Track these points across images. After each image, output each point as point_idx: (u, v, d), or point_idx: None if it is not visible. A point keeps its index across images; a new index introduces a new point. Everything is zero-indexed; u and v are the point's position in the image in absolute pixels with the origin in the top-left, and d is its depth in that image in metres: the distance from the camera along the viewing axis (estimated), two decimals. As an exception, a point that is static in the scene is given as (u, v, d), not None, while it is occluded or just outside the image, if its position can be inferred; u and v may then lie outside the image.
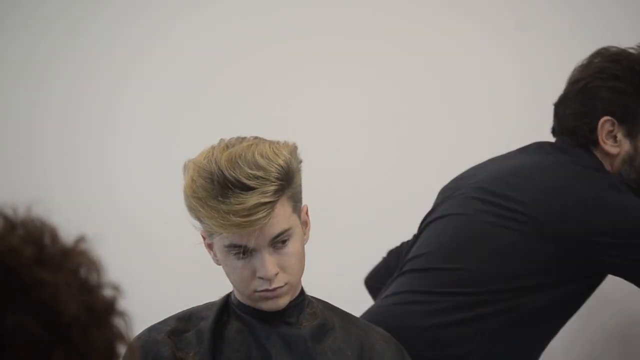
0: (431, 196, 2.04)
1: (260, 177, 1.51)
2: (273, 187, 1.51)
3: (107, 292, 0.90)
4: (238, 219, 1.49)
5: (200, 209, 1.52)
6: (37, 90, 2.88)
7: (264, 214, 1.50)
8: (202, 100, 2.87)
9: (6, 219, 0.89)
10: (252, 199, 1.49)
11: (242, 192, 1.50)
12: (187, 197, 1.56)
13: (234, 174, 1.50)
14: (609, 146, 1.86)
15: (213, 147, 1.57)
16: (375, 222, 2.53)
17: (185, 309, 1.69)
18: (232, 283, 1.62)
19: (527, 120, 2.70)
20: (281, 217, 1.54)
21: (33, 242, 0.87)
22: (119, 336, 0.89)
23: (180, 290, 2.62)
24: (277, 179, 1.52)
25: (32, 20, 2.86)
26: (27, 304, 0.84)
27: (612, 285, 2.62)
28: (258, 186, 1.50)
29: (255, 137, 1.59)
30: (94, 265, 0.90)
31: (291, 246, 1.57)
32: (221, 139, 1.60)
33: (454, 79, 2.56)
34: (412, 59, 2.58)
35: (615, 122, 1.86)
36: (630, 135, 1.86)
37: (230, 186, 1.50)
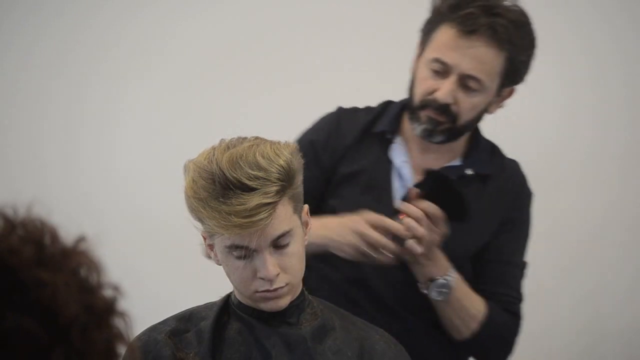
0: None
1: (262, 177, 1.50)
2: (274, 188, 1.50)
3: (107, 293, 0.90)
4: (239, 219, 1.48)
5: (202, 210, 1.51)
6: (38, 91, 2.89)
7: (266, 215, 1.50)
8: (202, 100, 2.88)
9: (6, 219, 0.89)
10: (254, 200, 1.49)
11: (243, 192, 1.49)
12: (188, 197, 1.55)
13: (235, 175, 1.49)
14: None
15: (214, 148, 1.56)
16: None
17: (185, 309, 1.69)
18: (233, 283, 1.61)
19: (527, 119, 2.70)
20: (282, 217, 1.53)
21: (33, 242, 0.87)
22: (118, 336, 0.89)
23: (181, 290, 2.62)
24: (278, 179, 1.51)
25: (32, 20, 2.87)
26: (27, 304, 0.84)
27: (613, 285, 2.62)
28: (259, 187, 1.49)
29: (256, 138, 1.58)
30: (94, 266, 0.90)
31: (292, 247, 1.56)
32: (222, 139, 1.59)
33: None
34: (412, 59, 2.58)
35: None
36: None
37: (232, 187, 1.49)
